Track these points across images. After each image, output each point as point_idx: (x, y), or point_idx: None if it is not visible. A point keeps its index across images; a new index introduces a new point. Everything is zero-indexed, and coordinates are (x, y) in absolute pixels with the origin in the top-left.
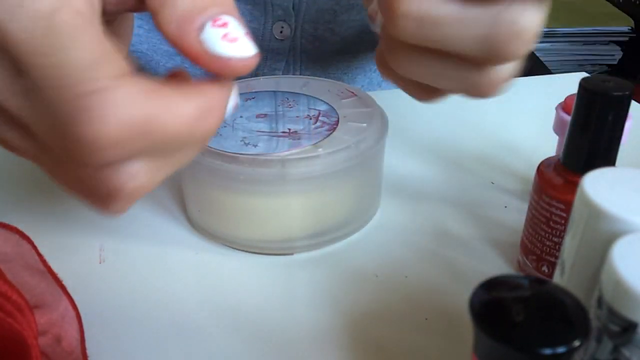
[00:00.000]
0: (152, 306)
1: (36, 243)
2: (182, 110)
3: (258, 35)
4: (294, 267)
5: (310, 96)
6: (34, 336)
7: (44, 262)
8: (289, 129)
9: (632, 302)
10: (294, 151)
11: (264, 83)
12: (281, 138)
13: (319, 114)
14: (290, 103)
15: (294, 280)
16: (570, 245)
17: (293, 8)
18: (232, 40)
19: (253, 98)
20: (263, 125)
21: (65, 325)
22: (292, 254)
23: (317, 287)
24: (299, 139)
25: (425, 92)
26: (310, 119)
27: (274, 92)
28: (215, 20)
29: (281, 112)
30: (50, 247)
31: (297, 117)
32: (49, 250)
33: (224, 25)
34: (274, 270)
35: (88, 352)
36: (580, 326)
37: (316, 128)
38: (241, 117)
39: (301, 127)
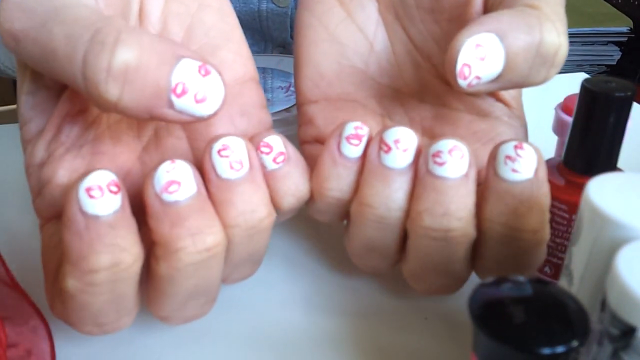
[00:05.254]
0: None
1: (6, 259)
2: None
3: None
4: (293, 267)
5: (284, 71)
6: (2, 347)
7: (11, 278)
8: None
9: (632, 306)
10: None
11: None
12: None
13: (290, 85)
14: (264, 76)
15: (292, 281)
16: (577, 256)
17: (291, 37)
18: None
19: None
20: None
21: (35, 338)
22: None
23: (316, 287)
24: (271, 105)
25: None
26: (282, 89)
27: None
28: None
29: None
30: (23, 263)
31: (271, 87)
32: (22, 266)
33: None
34: (273, 270)
35: None
36: (579, 326)
37: (287, 96)
38: None
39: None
